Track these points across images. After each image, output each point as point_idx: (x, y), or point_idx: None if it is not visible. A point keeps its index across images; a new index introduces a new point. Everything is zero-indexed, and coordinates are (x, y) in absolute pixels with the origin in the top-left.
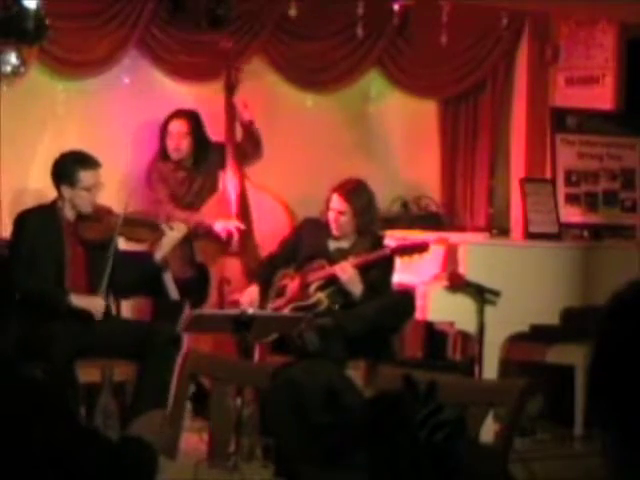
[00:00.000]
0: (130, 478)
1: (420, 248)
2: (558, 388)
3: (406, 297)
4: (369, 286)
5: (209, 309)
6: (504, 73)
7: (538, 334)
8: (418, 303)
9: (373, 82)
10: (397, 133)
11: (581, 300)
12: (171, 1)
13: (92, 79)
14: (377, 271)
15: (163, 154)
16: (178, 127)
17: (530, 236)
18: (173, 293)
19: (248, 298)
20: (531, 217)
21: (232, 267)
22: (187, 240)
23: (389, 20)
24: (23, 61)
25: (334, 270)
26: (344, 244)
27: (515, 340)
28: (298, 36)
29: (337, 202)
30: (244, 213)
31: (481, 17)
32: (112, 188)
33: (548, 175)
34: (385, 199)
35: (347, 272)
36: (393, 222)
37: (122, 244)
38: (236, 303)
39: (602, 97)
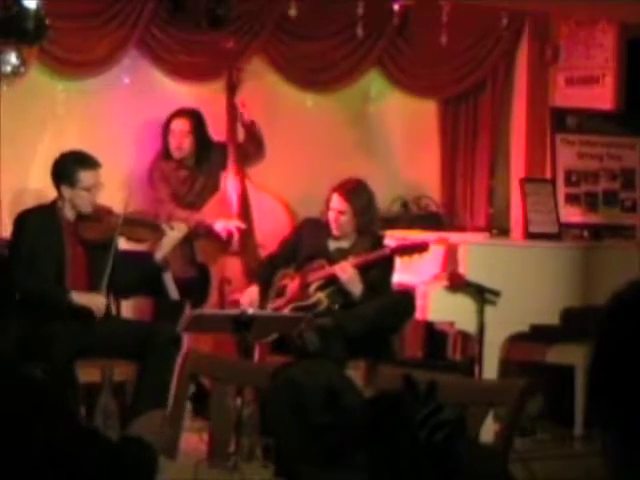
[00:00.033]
0: (130, 478)
1: (420, 248)
2: (558, 388)
3: (406, 297)
4: (369, 286)
5: (209, 309)
6: (504, 73)
7: (538, 334)
8: (418, 303)
9: (373, 82)
10: (397, 133)
11: (581, 300)
12: (171, 1)
13: (92, 79)
14: (377, 271)
15: (165, 153)
16: (180, 125)
17: (530, 236)
18: (173, 293)
19: (248, 298)
20: (531, 217)
21: (232, 267)
22: (188, 240)
23: (389, 20)
24: (23, 61)
25: (334, 270)
26: (344, 244)
27: (515, 340)
28: (298, 36)
29: (337, 202)
30: (245, 213)
31: (481, 17)
32: (112, 188)
33: (548, 175)
34: (385, 199)
35: (347, 272)
36: (393, 222)
37: (122, 244)
38: (236, 303)
39: (602, 97)
